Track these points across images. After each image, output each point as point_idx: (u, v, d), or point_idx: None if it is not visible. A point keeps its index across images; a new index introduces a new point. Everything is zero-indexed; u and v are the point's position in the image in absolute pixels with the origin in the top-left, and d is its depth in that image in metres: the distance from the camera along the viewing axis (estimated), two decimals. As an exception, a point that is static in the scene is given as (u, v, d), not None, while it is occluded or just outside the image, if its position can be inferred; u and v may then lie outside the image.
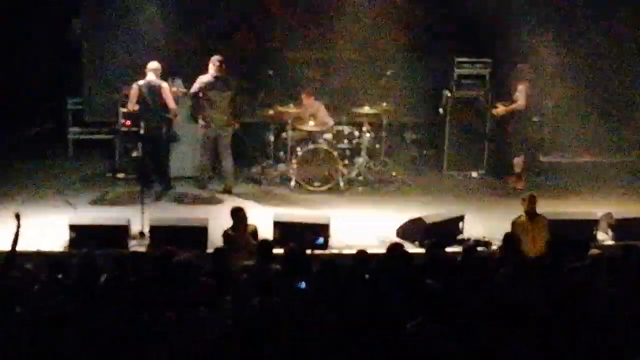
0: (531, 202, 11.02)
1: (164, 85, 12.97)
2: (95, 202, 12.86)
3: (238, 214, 10.47)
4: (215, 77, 13.17)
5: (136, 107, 12.86)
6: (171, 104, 12.98)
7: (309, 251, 9.64)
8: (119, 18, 14.69)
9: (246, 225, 10.47)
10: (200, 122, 13.35)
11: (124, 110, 13.75)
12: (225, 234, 10.44)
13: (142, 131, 12.65)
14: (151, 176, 13.05)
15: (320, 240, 11.23)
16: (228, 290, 8.21)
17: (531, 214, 10.99)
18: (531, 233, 10.76)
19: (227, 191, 13.44)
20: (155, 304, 7.97)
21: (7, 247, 9.22)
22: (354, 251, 9.73)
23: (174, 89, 13.81)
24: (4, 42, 14.88)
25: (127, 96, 13.06)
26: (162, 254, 8.92)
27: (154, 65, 12.96)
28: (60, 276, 8.43)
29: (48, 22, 14.93)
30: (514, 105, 13.87)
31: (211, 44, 14.86)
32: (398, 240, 11.14)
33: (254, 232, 10.48)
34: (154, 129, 12.82)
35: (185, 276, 8.47)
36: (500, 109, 13.97)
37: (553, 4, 15.29)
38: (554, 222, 11.10)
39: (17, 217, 9.32)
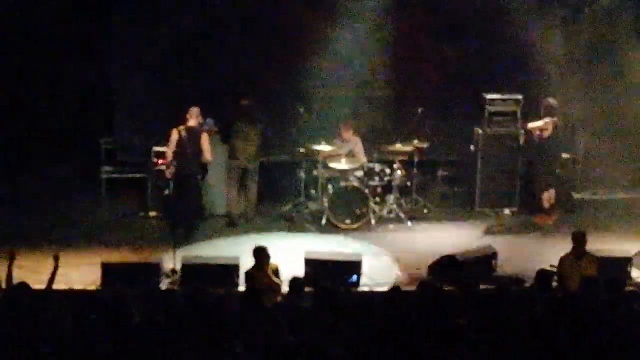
0: (580, 240, 10.89)
1: (204, 134, 13.00)
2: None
3: (260, 254, 10.48)
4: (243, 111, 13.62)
5: (172, 154, 12.80)
6: (207, 154, 12.97)
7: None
8: (149, 58, 14.82)
9: (268, 264, 10.47)
10: (228, 152, 13.70)
11: (157, 149, 13.84)
12: (248, 274, 10.44)
13: (187, 171, 12.67)
14: (179, 217, 12.98)
15: (354, 278, 11.22)
16: (260, 328, 8.20)
17: (579, 251, 10.86)
18: (577, 271, 10.60)
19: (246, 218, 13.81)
20: (187, 341, 7.98)
21: (42, 286, 9.31)
22: (385, 288, 9.71)
23: (207, 127, 13.89)
24: (37, 81, 15.04)
25: (168, 138, 13.05)
26: (193, 291, 8.94)
27: (195, 111, 12.97)
28: (92, 315, 8.44)
29: (81, 61, 15.06)
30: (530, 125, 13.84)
31: (242, 83, 15.00)
32: (430, 277, 11.08)
33: (276, 271, 10.48)
34: (188, 174, 12.78)
35: (218, 313, 8.49)
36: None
37: (584, 40, 15.28)
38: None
39: (56, 258, 9.42)
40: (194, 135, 12.86)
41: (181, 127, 12.84)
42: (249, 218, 13.84)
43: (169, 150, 12.92)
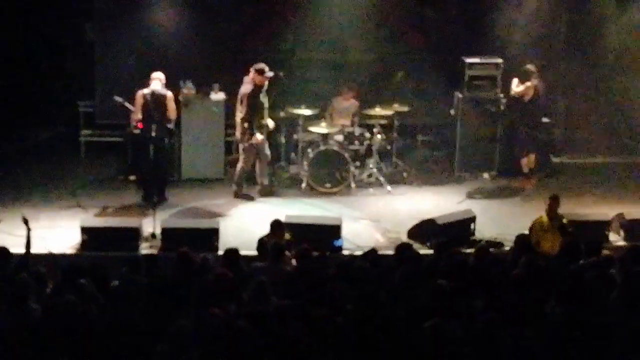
0: (554, 204, 11.00)
1: (169, 94, 12.77)
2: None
3: (278, 227, 10.47)
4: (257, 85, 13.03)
5: (140, 116, 12.68)
6: (172, 114, 12.84)
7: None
8: (131, 21, 14.72)
9: (283, 235, 10.43)
10: (258, 134, 13.10)
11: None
12: (261, 241, 10.32)
13: (153, 134, 12.56)
14: (149, 180, 12.94)
15: (339, 242, 11.25)
16: (241, 291, 8.23)
17: (552, 215, 10.96)
18: (551, 233, 10.74)
19: (267, 194, 13.37)
20: (169, 305, 8.00)
21: (20, 250, 9.30)
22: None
23: (186, 90, 13.83)
24: (16, 45, 14.93)
25: (133, 100, 12.94)
26: (179, 255, 8.95)
27: (159, 74, 12.79)
28: (73, 278, 8.44)
29: (60, 26, 14.96)
30: (514, 90, 13.88)
31: (223, 46, 14.95)
32: (410, 241, 11.14)
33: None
34: (155, 137, 12.57)
35: (202, 276, 8.52)
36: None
37: (564, 6, 15.31)
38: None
39: (25, 221, 9.39)
40: (158, 98, 12.66)
41: (146, 91, 12.67)
42: (266, 193, 13.47)
43: (134, 115, 12.80)
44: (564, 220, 10.97)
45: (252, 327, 7.38)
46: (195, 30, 14.90)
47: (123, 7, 14.82)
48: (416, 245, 10.90)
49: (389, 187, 13.85)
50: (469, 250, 10.33)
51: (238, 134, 13.30)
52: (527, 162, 14.03)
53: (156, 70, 12.89)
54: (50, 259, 10.17)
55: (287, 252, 9.65)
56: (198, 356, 7.16)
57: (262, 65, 12.99)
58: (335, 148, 13.69)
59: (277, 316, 7.60)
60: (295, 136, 14.13)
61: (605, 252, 9.57)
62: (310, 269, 9.05)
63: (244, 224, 12.09)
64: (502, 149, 14.58)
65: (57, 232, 11.45)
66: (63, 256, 10.68)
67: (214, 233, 11.18)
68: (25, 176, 13.95)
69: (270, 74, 13.01)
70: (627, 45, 15.11)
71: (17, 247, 9.42)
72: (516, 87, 13.87)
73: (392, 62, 15.21)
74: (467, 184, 14.31)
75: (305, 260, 9.17)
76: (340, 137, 13.99)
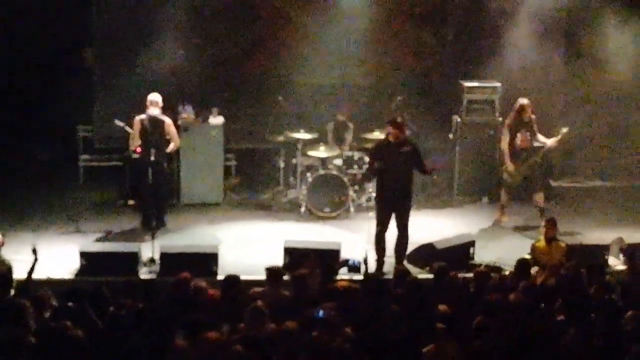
0: (550, 227, 11.00)
1: (167, 120, 12.75)
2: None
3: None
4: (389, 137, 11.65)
5: (139, 142, 12.69)
6: (175, 140, 12.86)
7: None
8: (130, 46, 14.76)
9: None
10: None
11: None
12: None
13: (152, 158, 12.54)
14: (148, 204, 12.90)
15: (356, 262, 11.20)
16: (239, 317, 8.21)
17: (549, 238, 10.97)
18: (548, 257, 10.74)
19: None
20: (167, 329, 7.97)
21: (22, 276, 9.30)
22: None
23: (185, 115, 13.85)
24: (16, 69, 14.96)
25: (131, 125, 12.96)
26: (178, 280, 8.93)
27: (155, 97, 12.71)
28: (71, 303, 8.42)
29: (60, 50, 15.00)
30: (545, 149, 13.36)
31: (221, 70, 14.99)
32: (409, 265, 11.12)
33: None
34: (153, 161, 12.44)
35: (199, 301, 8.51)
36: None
37: (564, 29, 15.38)
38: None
39: (34, 251, 9.41)
40: (156, 123, 12.65)
41: (143, 117, 12.64)
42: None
43: (134, 141, 12.83)
44: (562, 244, 10.99)
45: (249, 352, 7.35)
46: (194, 54, 14.96)
47: (121, 32, 14.86)
48: (415, 270, 10.91)
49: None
50: (468, 275, 10.32)
51: None
52: (540, 198, 13.28)
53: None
54: (50, 284, 10.14)
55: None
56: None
57: (392, 117, 11.89)
58: (334, 172, 13.70)
59: (274, 341, 7.58)
60: (294, 160, 14.14)
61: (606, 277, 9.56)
62: (308, 293, 9.03)
63: (243, 249, 12.08)
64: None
65: (56, 257, 11.42)
66: (62, 281, 10.65)
67: (213, 258, 11.16)
68: (24, 200, 13.94)
69: (397, 125, 11.40)
70: (625, 70, 15.14)
71: (15, 273, 9.43)
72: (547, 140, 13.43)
73: (391, 86, 15.24)
74: (466, 207, 14.31)
75: (303, 285, 9.15)
76: (339, 162, 14.01)
